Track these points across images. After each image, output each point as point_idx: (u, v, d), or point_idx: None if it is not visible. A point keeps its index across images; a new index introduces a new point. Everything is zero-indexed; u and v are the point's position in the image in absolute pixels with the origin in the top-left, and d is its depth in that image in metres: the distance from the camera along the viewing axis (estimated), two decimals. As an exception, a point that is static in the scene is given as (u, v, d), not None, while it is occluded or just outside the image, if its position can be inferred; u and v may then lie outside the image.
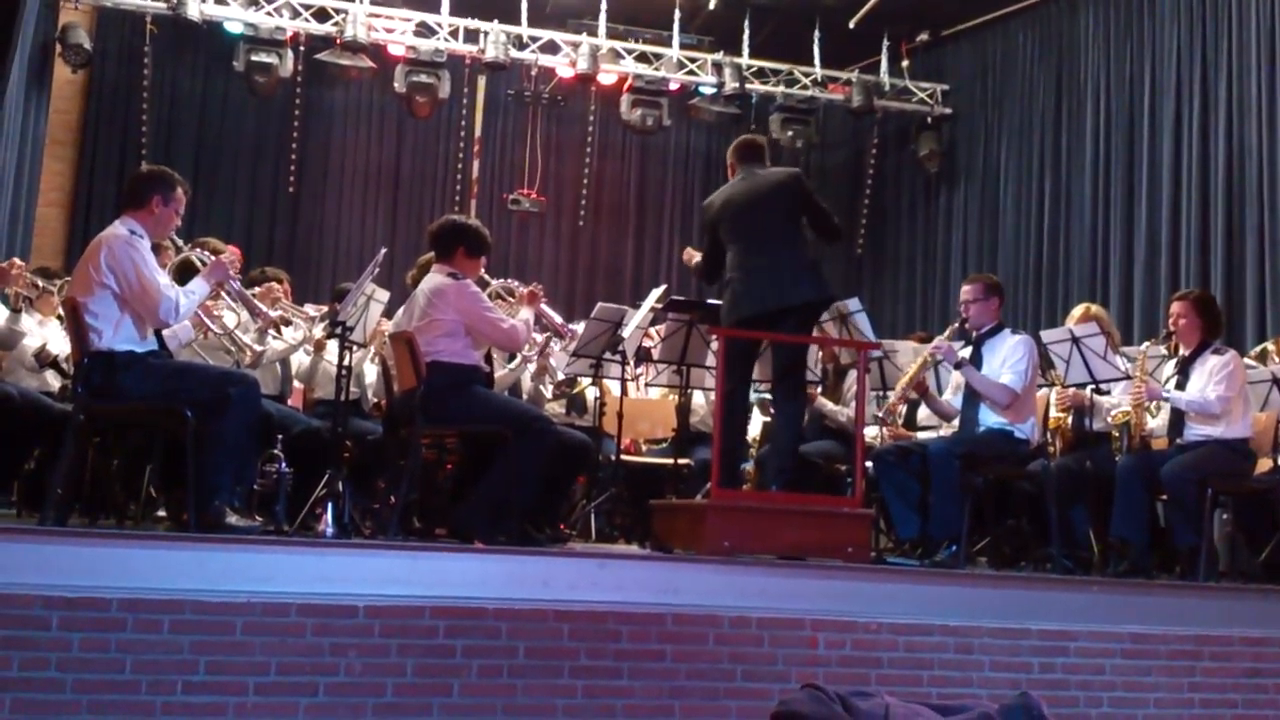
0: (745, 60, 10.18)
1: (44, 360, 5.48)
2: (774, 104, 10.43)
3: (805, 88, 10.41)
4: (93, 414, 4.40)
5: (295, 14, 9.45)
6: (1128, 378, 5.41)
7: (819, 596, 4.09)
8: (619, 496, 5.96)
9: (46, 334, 5.59)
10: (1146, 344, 5.79)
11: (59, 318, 5.42)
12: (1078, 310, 5.91)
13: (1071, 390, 5.47)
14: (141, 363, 4.37)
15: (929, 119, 10.58)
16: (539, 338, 5.99)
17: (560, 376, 6.40)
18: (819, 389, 6.19)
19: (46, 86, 9.05)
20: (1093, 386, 5.40)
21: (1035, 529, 5.48)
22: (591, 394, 6.47)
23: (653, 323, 6.20)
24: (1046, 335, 5.53)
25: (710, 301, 5.54)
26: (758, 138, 5.75)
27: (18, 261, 5.56)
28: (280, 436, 5.06)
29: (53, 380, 5.57)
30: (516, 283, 5.73)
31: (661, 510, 5.09)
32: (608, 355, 5.85)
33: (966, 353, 5.44)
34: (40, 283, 5.50)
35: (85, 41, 9.13)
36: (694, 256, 5.58)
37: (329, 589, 3.65)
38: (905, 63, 10.56)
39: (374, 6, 9.55)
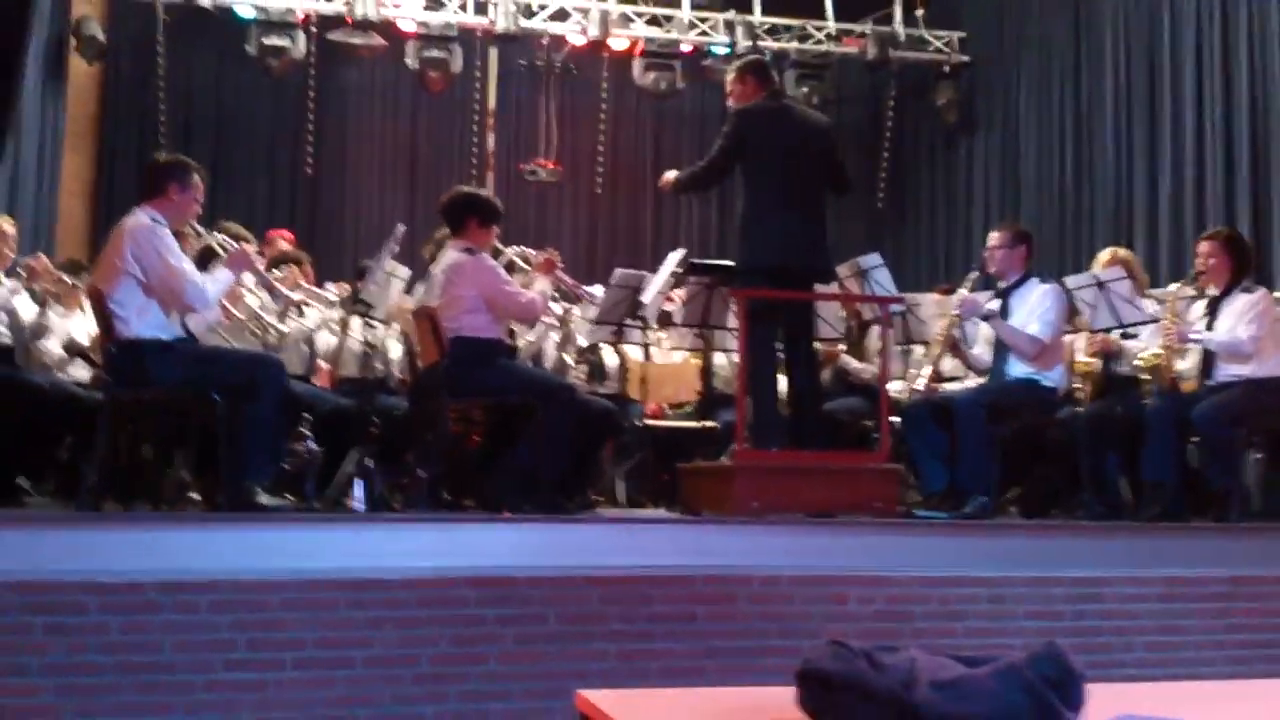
0: (757, 18, 10.06)
1: (72, 351, 5.55)
2: (788, 60, 10.31)
3: (819, 42, 10.30)
4: (123, 401, 4.46)
5: (305, -6, 9.44)
6: (1155, 321, 5.36)
7: (849, 553, 4.10)
8: (646, 461, 5.97)
9: (72, 325, 5.66)
10: (1176, 285, 5.73)
11: (83, 309, 5.48)
12: (1105, 254, 5.85)
13: (1100, 336, 5.42)
14: (169, 349, 4.42)
15: (946, 68, 10.42)
16: (559, 309, 6.00)
17: (582, 343, 6.41)
18: (842, 346, 6.17)
19: (63, 79, 9.10)
20: (1120, 331, 5.36)
21: (1065, 477, 5.46)
22: (613, 360, 6.48)
23: (673, 287, 6.19)
24: (1071, 281, 5.48)
25: (729, 263, 5.51)
26: (763, 58, 5.69)
27: (44, 258, 5.63)
28: (308, 415, 5.10)
29: (82, 371, 5.64)
30: (532, 250, 5.73)
31: (689, 473, 5.11)
32: (629, 321, 5.85)
33: (994, 305, 5.40)
34: (67, 278, 5.56)
35: (99, 33, 9.16)
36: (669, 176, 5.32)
37: (362, 563, 3.69)
38: (920, 11, 10.41)
39: (383, -18, 9.51)
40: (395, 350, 6.15)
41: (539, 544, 3.89)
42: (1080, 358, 5.61)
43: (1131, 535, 4.52)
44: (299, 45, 9.56)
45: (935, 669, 1.36)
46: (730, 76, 5.29)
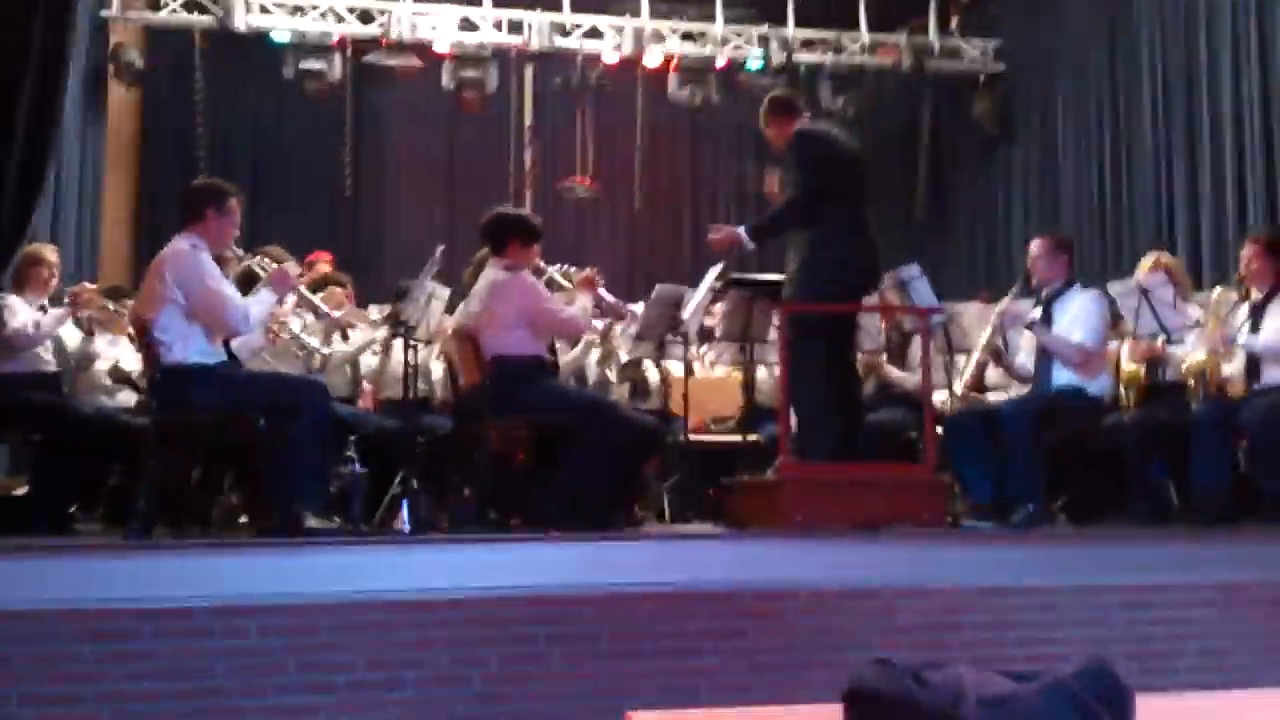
0: (791, 31, 10.06)
1: (117, 378, 5.62)
2: (822, 73, 10.30)
3: (854, 54, 10.27)
4: (168, 427, 4.51)
5: (339, 19, 9.54)
6: (1199, 326, 5.30)
7: (896, 565, 4.06)
8: (690, 477, 5.96)
9: (118, 352, 5.73)
10: (1219, 289, 5.66)
11: (129, 336, 5.55)
12: (1147, 261, 5.78)
13: (1144, 342, 5.37)
14: (212, 374, 4.47)
15: (982, 77, 10.38)
16: (600, 324, 6.01)
17: (624, 359, 6.42)
18: (883, 357, 6.14)
19: (102, 106, 9.24)
20: (1164, 337, 5.30)
21: (1113, 485, 5.39)
22: (655, 376, 6.48)
23: (713, 302, 6.17)
24: (1113, 288, 5.43)
25: (768, 277, 5.48)
26: (788, 92, 5.75)
27: (89, 286, 5.71)
28: (353, 438, 5.14)
29: (128, 397, 5.71)
30: (573, 268, 5.75)
31: (733, 488, 5.08)
32: (670, 337, 5.85)
33: (1036, 313, 5.36)
34: (111, 305, 5.63)
35: (137, 59, 9.31)
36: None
37: (411, 584, 3.69)
38: (954, 21, 10.37)
39: (417, 4, 9.60)
40: (437, 370, 6.18)
41: (586, 562, 3.89)
42: (1125, 365, 5.55)
43: (1182, 541, 4.45)
44: (335, 68, 9.66)
45: (982, 686, 1.34)
46: (764, 120, 5.30)
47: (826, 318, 4.88)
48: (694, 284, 6.02)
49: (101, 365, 5.68)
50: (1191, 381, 5.50)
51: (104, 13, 9.08)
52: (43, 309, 5.36)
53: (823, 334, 4.87)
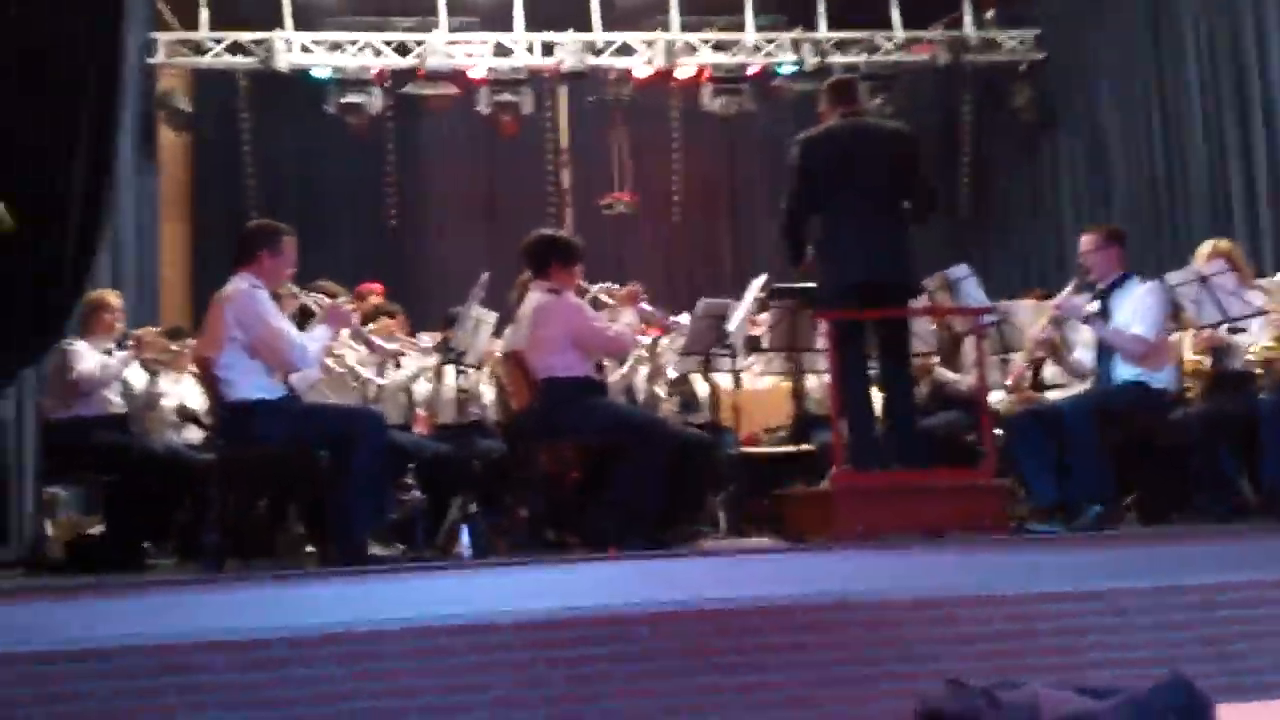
0: (823, 33, 10.03)
1: (184, 416, 5.74)
2: (858, 73, 10.21)
3: (889, 53, 10.20)
4: (234, 462, 4.59)
5: (377, 52, 9.67)
6: (1263, 313, 5.19)
7: (960, 573, 4.01)
8: (744, 490, 5.94)
9: (182, 391, 5.85)
10: (1280, 274, 5.55)
11: (193, 374, 5.66)
12: (1205, 248, 5.66)
13: (1207, 332, 5.27)
14: (273, 408, 4.55)
15: (1022, 67, 10.25)
16: (646, 340, 6.02)
17: (673, 374, 6.42)
18: (936, 359, 6.08)
19: (153, 151, 9.44)
20: (1227, 325, 5.20)
21: (1182, 481, 5.29)
22: (703, 390, 6.47)
23: (758, 312, 6.16)
24: (1172, 277, 5.32)
25: (810, 285, 5.46)
26: (849, 76, 5.64)
27: (151, 329, 5.84)
28: (411, 464, 5.19)
29: (194, 434, 5.82)
30: (615, 285, 5.76)
31: (789, 499, 5.06)
32: (716, 350, 5.84)
33: (1094, 307, 5.28)
34: (173, 346, 5.75)
35: (184, 104, 9.50)
36: None
37: (473, 608, 3.72)
38: (990, 12, 10.26)
39: (451, 34, 9.70)
40: (489, 394, 6.23)
41: (644, 579, 3.89)
42: (1188, 356, 5.44)
43: (1257, 536, 4.35)
44: (375, 101, 9.80)
45: (1057, 704, 1.33)
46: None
47: (853, 322, 4.84)
48: (737, 293, 6.01)
49: (167, 404, 5.80)
50: (1258, 370, 5.38)
51: (150, 59, 9.28)
52: (108, 352, 5.48)
53: (852, 339, 4.83)
